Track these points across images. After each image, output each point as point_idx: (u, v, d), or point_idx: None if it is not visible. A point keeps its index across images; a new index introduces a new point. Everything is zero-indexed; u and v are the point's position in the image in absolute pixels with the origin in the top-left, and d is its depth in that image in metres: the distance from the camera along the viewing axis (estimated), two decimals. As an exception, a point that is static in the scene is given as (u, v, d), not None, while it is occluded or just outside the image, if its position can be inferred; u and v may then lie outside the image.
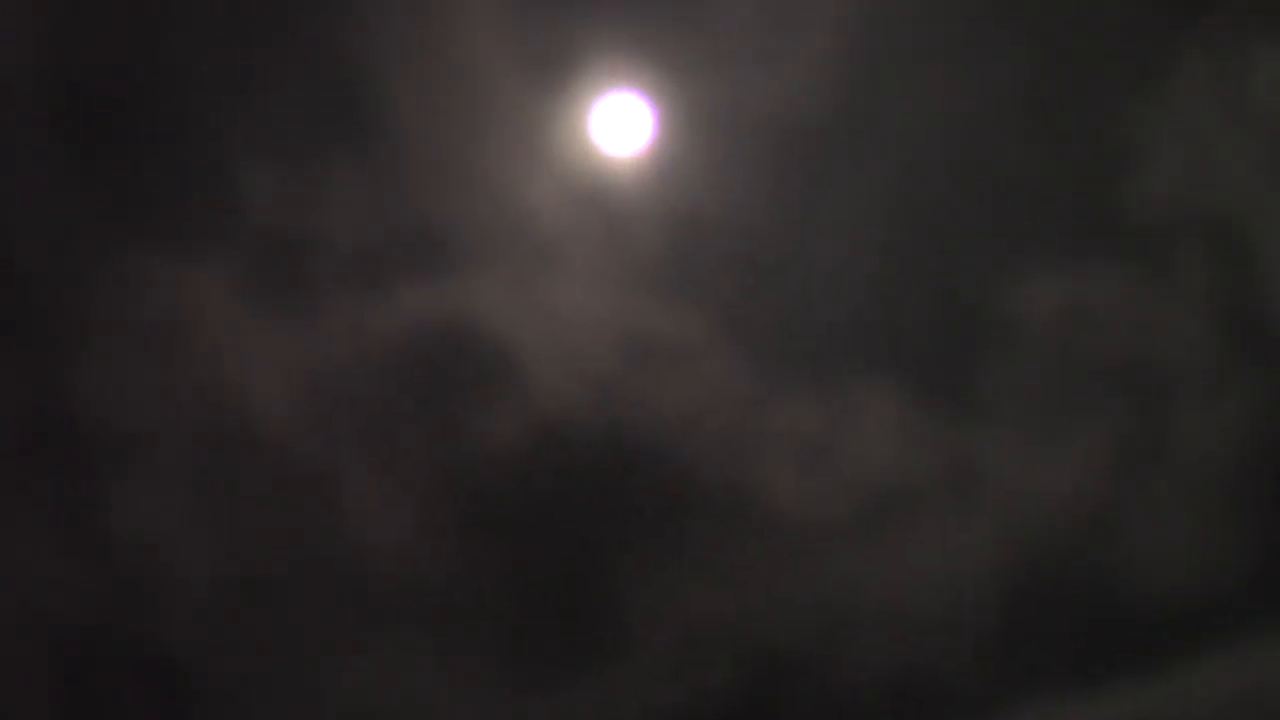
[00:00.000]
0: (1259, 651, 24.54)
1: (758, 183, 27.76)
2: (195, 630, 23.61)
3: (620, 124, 27.42)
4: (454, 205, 26.81)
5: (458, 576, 23.81)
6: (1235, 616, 25.04)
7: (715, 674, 24.17)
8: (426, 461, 24.46)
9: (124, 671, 23.34)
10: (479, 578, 23.88)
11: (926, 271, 27.31)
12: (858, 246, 27.23)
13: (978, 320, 26.89)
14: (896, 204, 27.46)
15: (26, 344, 24.69)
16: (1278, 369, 26.53)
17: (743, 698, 24.37)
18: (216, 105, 26.00)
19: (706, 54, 27.96)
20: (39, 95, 25.57)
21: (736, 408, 25.67)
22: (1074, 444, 26.53)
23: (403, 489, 24.29)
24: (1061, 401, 26.66)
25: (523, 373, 24.79)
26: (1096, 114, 27.48)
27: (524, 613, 23.86)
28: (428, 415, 24.76)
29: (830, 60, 27.65)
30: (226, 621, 23.53)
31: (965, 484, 26.31)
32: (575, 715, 23.73)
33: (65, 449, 23.86)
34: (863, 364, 26.38)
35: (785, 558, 25.03)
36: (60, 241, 25.15)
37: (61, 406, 23.96)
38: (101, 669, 23.27)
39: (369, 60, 26.85)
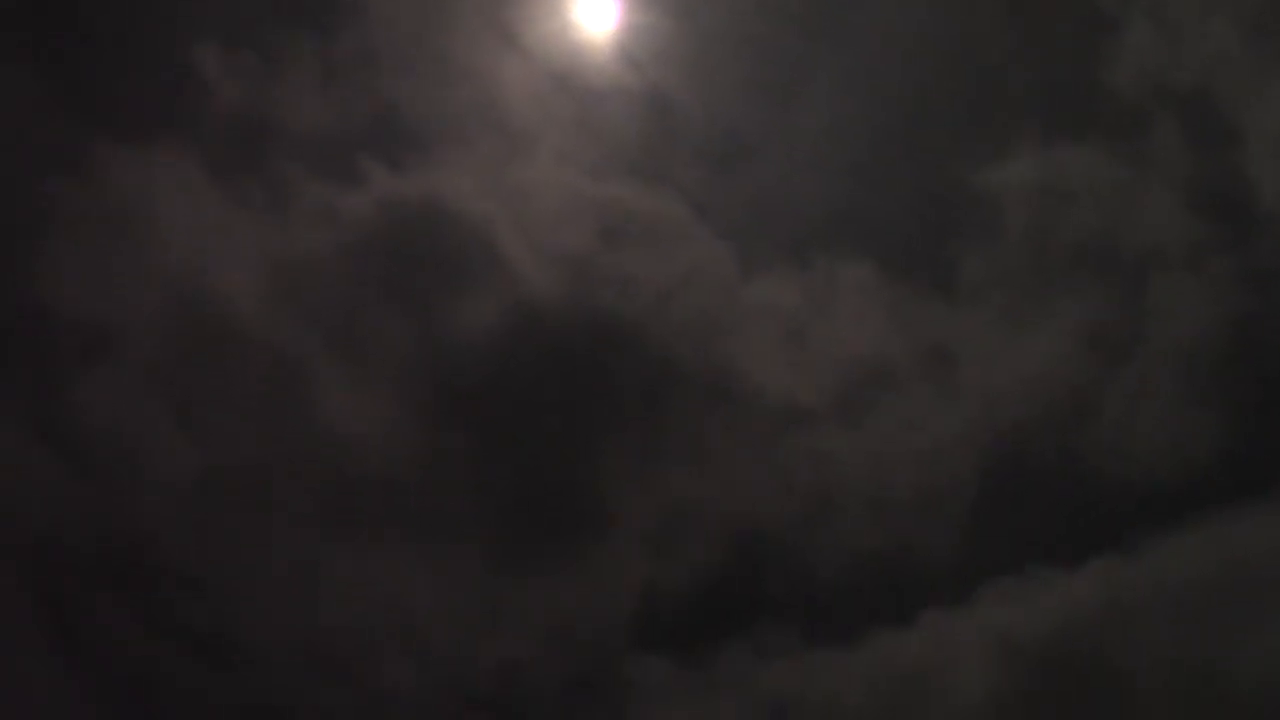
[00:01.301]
0: (1232, 526, 24.81)
1: (733, 63, 27.28)
2: (173, 524, 23.36)
3: (592, 9, 26.84)
4: (424, 88, 26.19)
5: (436, 463, 23.64)
6: (1210, 493, 25.28)
7: (697, 552, 24.26)
8: (402, 348, 24.18)
9: (101, 568, 23.09)
10: (458, 464, 23.72)
11: (904, 153, 27.04)
12: (835, 129, 26.93)
13: (956, 202, 26.70)
14: (874, 86, 27.13)
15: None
16: (1254, 245, 26.52)
17: (724, 576, 24.49)
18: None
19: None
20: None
21: (714, 289, 25.43)
22: (1052, 325, 26.49)
23: (378, 377, 24.01)
24: (1039, 283, 26.57)
25: (497, 257, 24.45)
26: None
27: (505, 497, 23.76)
28: (402, 302, 24.41)
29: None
30: (203, 515, 23.31)
31: (943, 365, 26.28)
32: (559, 597, 23.77)
33: (32, 342, 23.32)
34: (841, 246, 26.20)
35: (765, 437, 25.00)
36: (19, 136, 24.42)
37: (28, 299, 23.41)
38: (78, 567, 23.02)
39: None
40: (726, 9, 27.02)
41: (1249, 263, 27.02)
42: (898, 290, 26.54)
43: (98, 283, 23.78)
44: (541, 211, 25.68)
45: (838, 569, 25.47)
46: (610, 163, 26.37)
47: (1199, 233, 26.56)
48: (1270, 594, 24.36)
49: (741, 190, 26.88)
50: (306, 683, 23.04)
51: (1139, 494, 26.85)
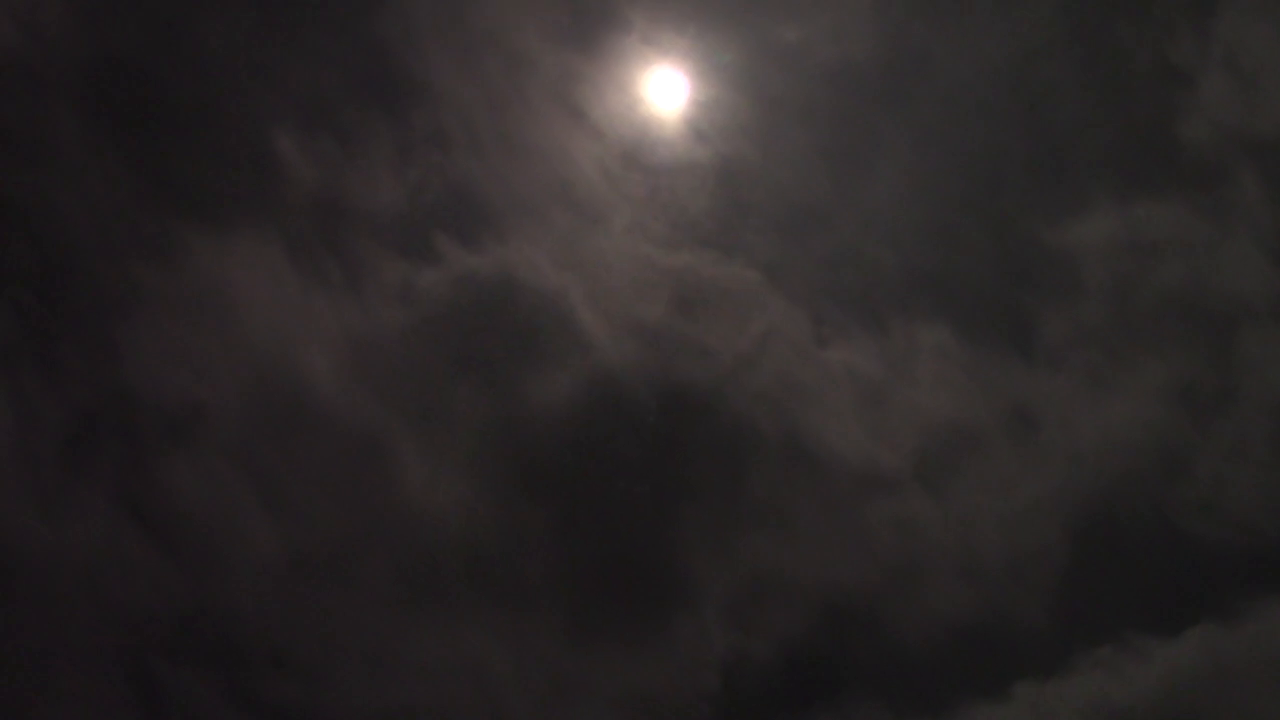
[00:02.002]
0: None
1: (802, 132, 27.38)
2: (258, 601, 23.49)
3: (660, 85, 27.16)
4: (495, 166, 26.57)
5: (518, 537, 23.60)
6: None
7: (780, 623, 23.84)
8: (480, 422, 24.29)
9: (189, 644, 23.25)
10: (537, 536, 23.65)
11: (979, 212, 26.86)
12: (907, 190, 26.86)
13: (1033, 259, 26.41)
14: (946, 145, 27.06)
15: (78, 324, 24.62)
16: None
17: (809, 647, 24.02)
18: (252, 77, 25.90)
19: (742, 17, 27.62)
20: (78, 81, 25.63)
21: (790, 355, 25.27)
22: (1137, 383, 25.93)
23: (457, 450, 24.11)
24: (1123, 339, 26.07)
25: (573, 328, 24.55)
26: (1146, 45, 26.87)
27: (584, 569, 23.60)
28: (479, 375, 24.55)
29: (870, 5, 27.21)
30: (290, 596, 23.43)
31: (1027, 427, 25.80)
32: (640, 669, 23.46)
33: (120, 426, 23.77)
34: (918, 309, 25.97)
35: (847, 504, 24.65)
36: (106, 222, 25.12)
37: (116, 381, 23.91)
38: (167, 643, 23.20)
39: (404, 29, 26.68)
40: (792, 80, 27.21)
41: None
42: (977, 352, 26.25)
43: (183, 365, 24.26)
44: (615, 283, 25.84)
45: (926, 639, 24.91)
46: (682, 234, 26.53)
47: (1287, 281, 26.00)
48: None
49: (814, 256, 26.88)
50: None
51: (1238, 557, 26.04)
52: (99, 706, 22.56)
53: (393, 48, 26.78)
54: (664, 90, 27.52)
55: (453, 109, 26.68)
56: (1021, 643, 25.13)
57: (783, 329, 25.94)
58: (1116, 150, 26.85)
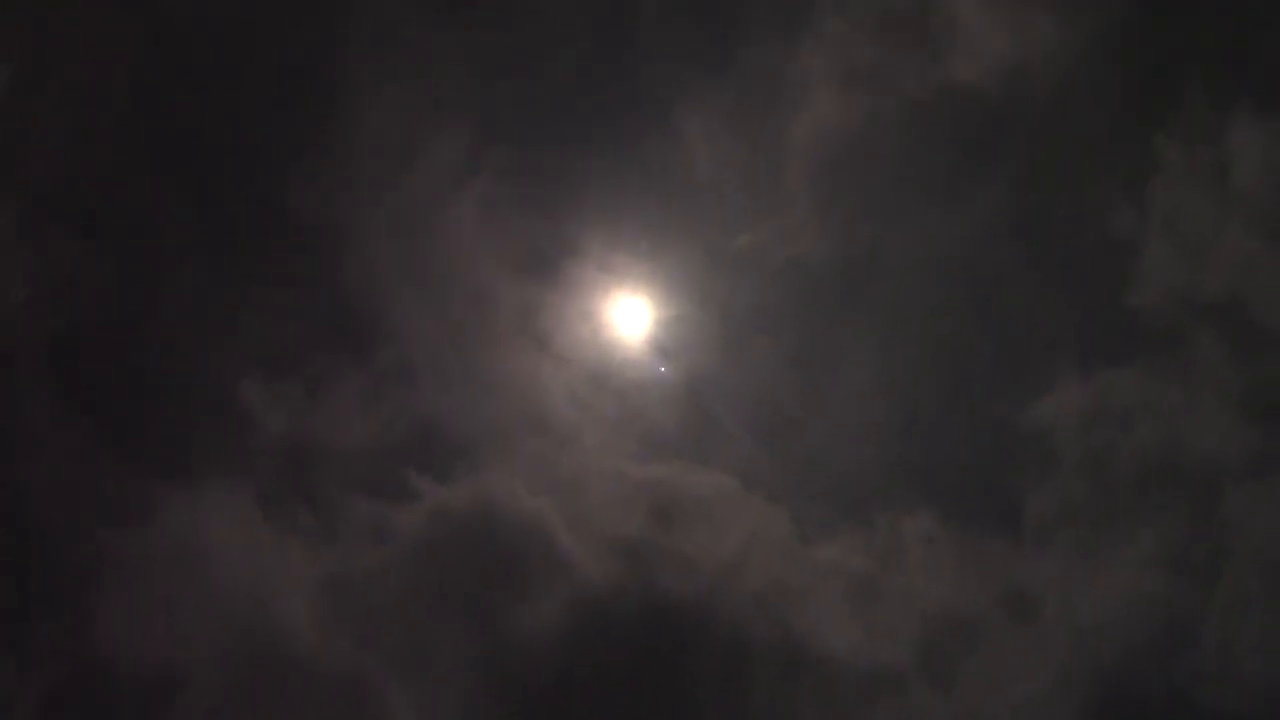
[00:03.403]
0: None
1: (765, 339, 27.70)
2: None
3: (621, 309, 27.61)
4: (463, 399, 26.63)
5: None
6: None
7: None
8: (467, 656, 23.60)
9: None
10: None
11: (948, 400, 26.99)
12: (874, 388, 27.03)
13: (1008, 441, 26.40)
14: (906, 339, 27.40)
15: (47, 598, 24.10)
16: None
17: None
18: (214, 331, 26.14)
19: (694, 232, 28.34)
20: (38, 352, 25.77)
21: (776, 556, 24.88)
22: (1129, 554, 25.61)
23: (445, 688, 23.35)
24: (1108, 510, 25.87)
25: (553, 551, 24.16)
26: (1085, 222, 27.63)
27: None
28: (463, 609, 23.99)
29: (814, 207, 27.98)
30: None
31: (1023, 609, 25.27)
32: None
33: (95, 699, 22.96)
34: (899, 498, 25.77)
35: (852, 708, 23.82)
36: (72, 491, 24.86)
37: (87, 655, 23.20)
38: None
39: (366, 274, 27.16)
40: (748, 287, 27.66)
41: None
42: (964, 538, 25.94)
43: (157, 625, 23.60)
44: (592, 501, 25.56)
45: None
46: (654, 447, 26.49)
47: (1259, 437, 26.02)
48: None
49: (790, 457, 26.81)
50: None
51: (1255, 722, 25.19)
52: None
53: (355, 291, 27.21)
54: (625, 313, 27.96)
55: (417, 346, 26.93)
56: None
57: (765, 531, 25.64)
58: (1073, 325, 27.28)
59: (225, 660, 23.75)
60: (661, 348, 27.92)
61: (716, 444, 27.08)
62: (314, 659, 23.83)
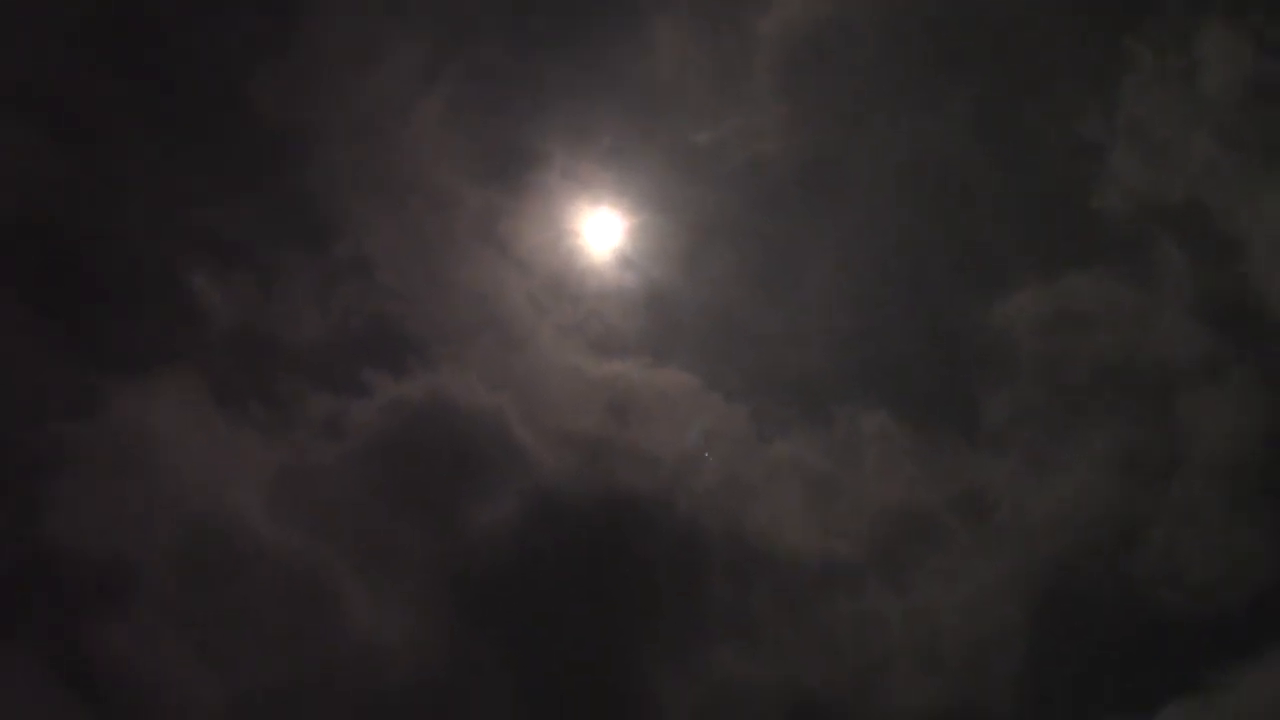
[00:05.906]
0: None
1: (725, 240, 27.51)
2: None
3: (583, 217, 27.30)
4: (422, 300, 26.33)
5: (469, 666, 22.68)
6: (1271, 619, 24.12)
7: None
8: (422, 551, 23.54)
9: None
10: (489, 663, 22.75)
11: (908, 301, 26.94)
12: (836, 288, 26.94)
13: (967, 342, 26.42)
14: (869, 239, 27.31)
15: (0, 483, 23.68)
16: (1271, 351, 26.03)
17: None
18: (171, 223, 25.66)
19: (657, 136, 27.97)
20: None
21: (734, 453, 24.89)
22: (1083, 455, 25.78)
23: (400, 582, 23.30)
24: (1063, 413, 25.99)
25: (510, 446, 24.04)
26: (1053, 125, 27.44)
27: (541, 693, 22.68)
28: (418, 504, 23.89)
29: (777, 106, 27.67)
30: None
31: (977, 509, 25.48)
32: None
33: (47, 582, 22.76)
34: (857, 396, 25.80)
35: (806, 603, 24.02)
36: (24, 382, 24.43)
37: (40, 539, 22.96)
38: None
39: (325, 171, 26.70)
40: (709, 188, 27.41)
41: (1271, 370, 26.43)
42: (920, 437, 26.03)
43: (109, 518, 23.37)
44: (550, 397, 25.44)
45: (896, 730, 24.08)
46: (613, 344, 26.35)
47: (1215, 344, 26.15)
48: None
49: (751, 357, 26.76)
50: None
51: (1203, 626, 25.57)
52: None
53: (313, 188, 26.74)
54: (589, 220, 27.65)
55: (374, 245, 26.56)
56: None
57: (723, 428, 25.64)
58: (1036, 228, 27.20)
59: (178, 552, 23.57)
60: (624, 254, 27.69)
61: (677, 344, 27.00)
62: (267, 552, 23.69)
